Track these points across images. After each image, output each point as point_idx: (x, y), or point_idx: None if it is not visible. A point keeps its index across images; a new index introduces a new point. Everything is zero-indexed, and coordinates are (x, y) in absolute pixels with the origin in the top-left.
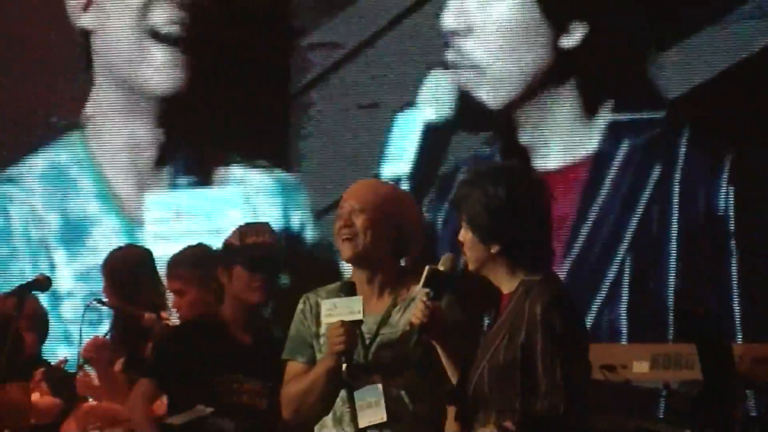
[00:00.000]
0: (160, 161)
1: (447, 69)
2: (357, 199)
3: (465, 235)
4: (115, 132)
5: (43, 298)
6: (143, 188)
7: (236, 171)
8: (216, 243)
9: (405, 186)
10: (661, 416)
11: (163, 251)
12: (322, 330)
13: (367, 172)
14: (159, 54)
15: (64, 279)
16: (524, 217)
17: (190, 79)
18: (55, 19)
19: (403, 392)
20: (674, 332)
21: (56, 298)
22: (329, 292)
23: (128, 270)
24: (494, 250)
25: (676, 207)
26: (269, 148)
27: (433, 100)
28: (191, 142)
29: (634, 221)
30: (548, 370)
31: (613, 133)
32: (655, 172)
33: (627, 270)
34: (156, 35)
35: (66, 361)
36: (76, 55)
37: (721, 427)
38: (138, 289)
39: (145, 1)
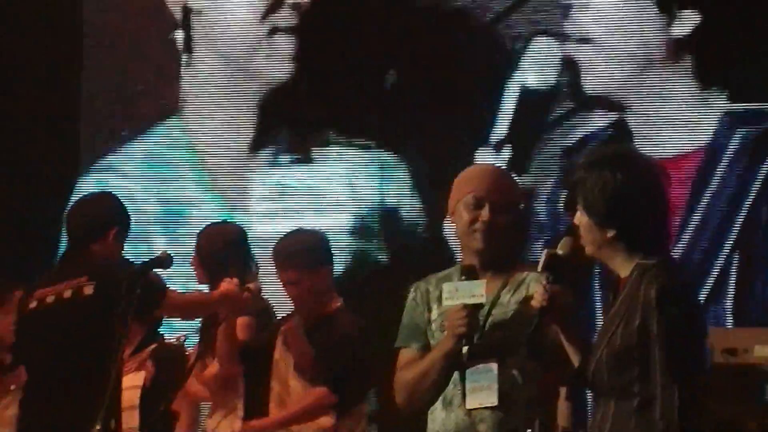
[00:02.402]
0: (260, 144)
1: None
2: (500, 192)
3: (581, 218)
4: (215, 116)
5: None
6: (242, 172)
7: (336, 149)
8: (320, 220)
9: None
10: None
11: (269, 228)
12: (434, 316)
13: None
14: (281, 42)
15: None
16: (641, 202)
17: (302, 67)
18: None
19: (516, 373)
20: None
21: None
22: (440, 279)
23: (218, 246)
24: (610, 234)
25: None
26: (372, 127)
27: (540, 69)
28: (292, 124)
29: (742, 214)
30: (665, 380)
31: (727, 124)
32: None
33: (734, 263)
34: (276, 25)
35: (185, 338)
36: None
37: None
38: (225, 266)
39: None
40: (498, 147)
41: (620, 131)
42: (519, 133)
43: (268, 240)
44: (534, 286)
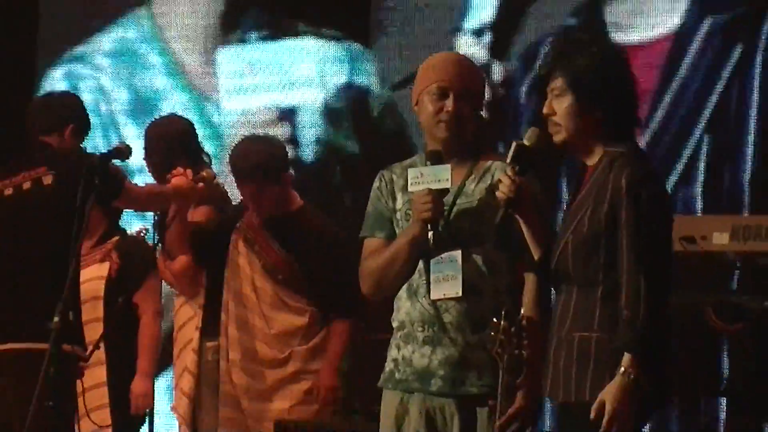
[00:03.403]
0: (228, 27)
1: None
2: (464, 81)
3: (560, 103)
4: (182, 4)
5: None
6: (211, 58)
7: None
8: (289, 97)
9: (480, 53)
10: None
11: (237, 105)
12: (399, 205)
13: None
14: None
15: (135, 154)
16: (627, 84)
17: None
18: None
19: (481, 263)
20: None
21: (128, 173)
22: (404, 167)
23: (166, 139)
24: (596, 115)
25: (756, 88)
26: (344, 19)
27: None
28: (260, 11)
29: (713, 99)
30: (631, 268)
31: (696, 10)
32: (736, 52)
33: (704, 147)
34: None
35: (146, 231)
36: None
37: None
38: (176, 159)
39: None
40: (478, 33)
41: (592, 18)
42: (500, 19)
43: (236, 118)
44: (499, 175)
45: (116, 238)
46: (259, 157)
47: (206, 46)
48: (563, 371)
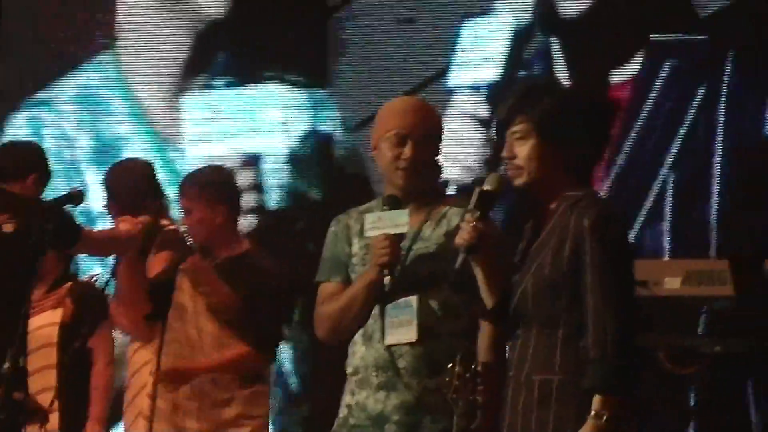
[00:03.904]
0: (193, 72)
1: None
2: (423, 127)
3: (521, 146)
4: (148, 49)
5: (78, 218)
6: (177, 105)
7: (271, 87)
8: (254, 143)
9: (480, 109)
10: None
11: (201, 152)
12: (355, 249)
13: (402, 88)
14: None
15: (98, 199)
16: (592, 129)
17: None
18: None
19: (437, 307)
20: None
21: (90, 218)
22: (361, 212)
23: (128, 183)
24: (557, 158)
25: (721, 129)
26: (304, 64)
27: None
28: (228, 56)
29: (678, 142)
30: (598, 307)
31: (656, 54)
32: (700, 94)
33: (670, 189)
34: None
35: (96, 277)
36: None
37: (756, 343)
38: (138, 202)
39: None
40: (478, 89)
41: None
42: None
43: (200, 163)
44: (456, 220)
45: (69, 284)
46: (202, 176)
47: (171, 91)
48: (522, 414)
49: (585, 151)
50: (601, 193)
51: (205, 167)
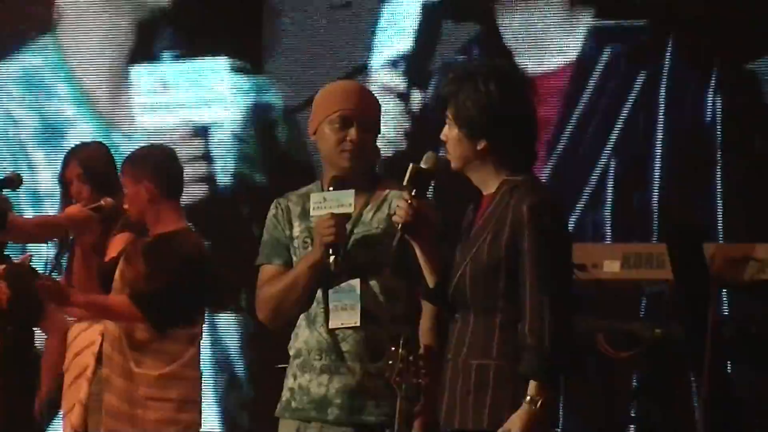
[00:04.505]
0: (133, 60)
1: None
2: (366, 110)
3: (450, 131)
4: (88, 31)
5: (24, 199)
6: (118, 88)
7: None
8: (202, 115)
9: (398, 82)
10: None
11: (150, 123)
12: (297, 232)
13: (338, 72)
14: None
15: (45, 180)
16: (513, 114)
17: None
18: None
19: (379, 291)
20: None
21: (37, 198)
22: (300, 195)
23: (101, 164)
24: (480, 146)
25: (662, 113)
26: (241, 48)
27: None
28: (166, 41)
29: (619, 126)
30: (534, 293)
31: (596, 39)
32: (640, 79)
33: (611, 174)
34: None
35: (30, 257)
36: None
37: (694, 327)
38: (110, 182)
39: None
40: (396, 63)
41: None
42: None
43: (151, 137)
44: (396, 203)
45: (2, 266)
46: (136, 153)
47: (113, 71)
48: (460, 399)
49: (511, 138)
50: (541, 178)
51: (142, 146)
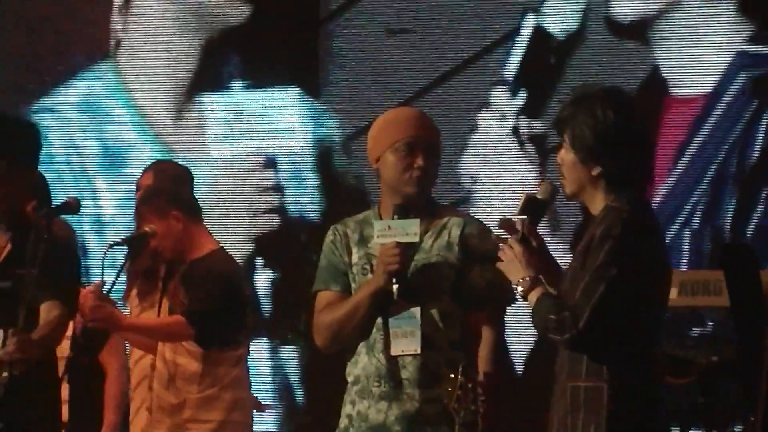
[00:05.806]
0: (195, 87)
1: None
2: (430, 137)
3: (565, 156)
4: (150, 51)
5: (88, 223)
6: (179, 112)
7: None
8: (273, 144)
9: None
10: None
11: (222, 152)
12: (355, 259)
13: (397, 98)
14: None
15: (107, 205)
16: (627, 141)
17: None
18: None
19: (438, 317)
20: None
21: (100, 223)
22: (358, 222)
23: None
24: (595, 172)
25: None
26: (298, 74)
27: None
28: (232, 67)
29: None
30: (589, 285)
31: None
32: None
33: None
34: None
35: (102, 284)
36: None
37: (750, 354)
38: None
39: None
40: (514, 91)
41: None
42: (533, 74)
43: (224, 165)
44: (456, 231)
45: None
46: (149, 187)
47: (174, 97)
48: (560, 422)
49: (621, 167)
50: (644, 204)
51: (147, 172)
